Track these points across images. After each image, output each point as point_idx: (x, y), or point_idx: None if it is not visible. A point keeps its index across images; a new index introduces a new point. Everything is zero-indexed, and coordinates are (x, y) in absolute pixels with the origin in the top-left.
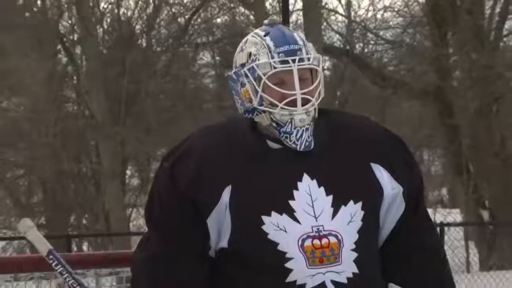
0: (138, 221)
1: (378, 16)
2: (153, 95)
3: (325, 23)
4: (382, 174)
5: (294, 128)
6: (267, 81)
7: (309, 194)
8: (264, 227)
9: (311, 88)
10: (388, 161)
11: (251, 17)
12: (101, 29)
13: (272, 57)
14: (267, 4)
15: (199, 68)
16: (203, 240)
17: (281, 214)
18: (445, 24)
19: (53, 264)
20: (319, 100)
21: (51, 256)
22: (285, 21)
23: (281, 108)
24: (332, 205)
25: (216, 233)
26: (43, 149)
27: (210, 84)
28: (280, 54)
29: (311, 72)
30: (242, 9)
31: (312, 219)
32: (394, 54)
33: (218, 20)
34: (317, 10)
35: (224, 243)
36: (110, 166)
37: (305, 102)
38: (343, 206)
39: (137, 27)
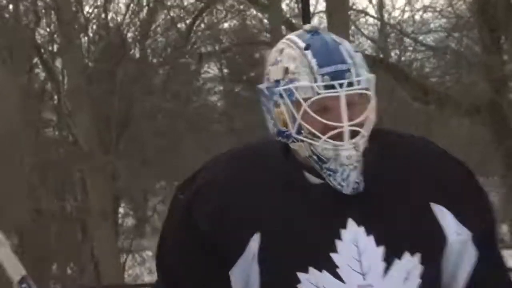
0: (134, 269)
1: (417, 17)
2: (149, 116)
3: (353, 27)
4: (445, 217)
5: (340, 166)
6: (308, 109)
7: (355, 245)
8: (299, 286)
9: (361, 118)
10: (453, 199)
11: (265, 21)
12: (85, 38)
13: (315, 80)
14: (283, 6)
15: (203, 83)
16: None
17: (320, 270)
18: (498, 26)
19: None
20: (370, 128)
21: (24, 285)
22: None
23: (324, 141)
24: (384, 259)
25: (242, 285)
26: (17, 184)
27: (217, 101)
28: (325, 77)
29: (362, 94)
30: (253, 12)
31: (359, 277)
32: (437, 62)
33: (226, 25)
34: (343, 12)
35: None
36: (99, 204)
37: (353, 134)
38: (397, 260)
39: (129, 34)
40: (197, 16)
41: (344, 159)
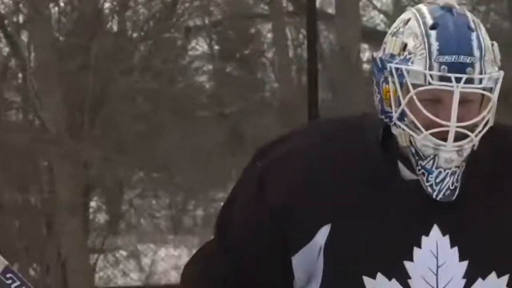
0: (106, 271)
1: None
2: (128, 97)
3: None
4: None
5: (436, 168)
6: (415, 98)
7: (435, 256)
8: None
9: (473, 121)
10: None
11: None
12: (55, 8)
13: (431, 68)
14: None
15: (190, 61)
16: (283, 279)
17: (390, 278)
18: None
19: (13, 286)
20: (483, 132)
21: (9, 275)
22: None
23: (425, 136)
24: (465, 276)
25: (304, 275)
26: None
27: (206, 83)
28: (442, 67)
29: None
30: None
31: None
32: None
33: None
34: None
35: None
36: (68, 196)
37: (461, 136)
38: (480, 280)
39: (106, 5)
40: None
41: (442, 161)
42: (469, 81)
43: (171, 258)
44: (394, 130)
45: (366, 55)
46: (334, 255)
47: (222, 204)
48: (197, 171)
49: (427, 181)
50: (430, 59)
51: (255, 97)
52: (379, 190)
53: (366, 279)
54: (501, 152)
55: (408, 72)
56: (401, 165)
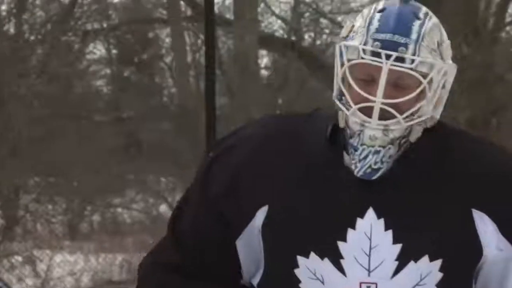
0: (1, 276)
1: None
2: (23, 101)
3: (262, 5)
4: (486, 227)
5: (361, 145)
6: (347, 72)
7: (368, 237)
8: (297, 271)
9: (398, 100)
10: (503, 212)
11: None
12: None
13: (365, 42)
14: None
15: (88, 65)
16: (228, 263)
17: (322, 258)
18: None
19: None
20: (417, 121)
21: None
22: (208, 0)
23: (354, 112)
24: (398, 258)
25: (250, 261)
26: None
27: (104, 87)
28: (376, 43)
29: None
30: None
31: (363, 272)
32: None
33: None
34: None
35: (256, 280)
36: None
37: (388, 116)
38: (412, 262)
39: (3, 7)
40: None
41: (367, 138)
42: (400, 60)
43: (67, 264)
44: (338, 114)
45: (264, 61)
46: (270, 236)
47: (119, 209)
48: (94, 176)
49: (353, 158)
50: (367, 35)
51: (153, 101)
52: (318, 175)
53: (300, 258)
54: (442, 149)
55: (347, 48)
56: (345, 154)
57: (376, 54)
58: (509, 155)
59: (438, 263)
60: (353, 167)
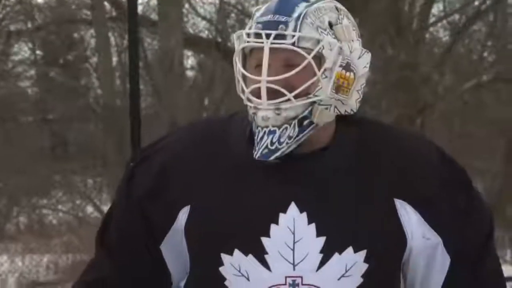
0: None
1: None
2: None
3: (187, 5)
4: (408, 216)
5: (257, 128)
6: (236, 59)
7: (291, 231)
8: (221, 269)
9: (284, 76)
10: (426, 200)
11: None
12: None
13: (250, 28)
14: None
15: (12, 67)
16: (157, 271)
17: (246, 254)
18: (352, 7)
19: None
20: (313, 99)
21: None
22: (132, 1)
23: (247, 98)
24: (322, 251)
25: (178, 265)
26: None
27: (29, 88)
28: (257, 25)
29: (319, 61)
30: None
31: (288, 267)
32: None
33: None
34: None
35: (183, 283)
36: None
37: (280, 95)
38: (336, 254)
39: None
40: None
41: (260, 119)
42: (281, 37)
43: None
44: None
45: (189, 61)
46: (193, 235)
47: (44, 211)
48: (20, 177)
49: (254, 144)
50: (252, 21)
51: (79, 102)
52: (239, 174)
53: (224, 256)
54: (362, 141)
55: (238, 38)
56: None
57: (259, 36)
58: (428, 143)
59: (362, 254)
60: (253, 152)
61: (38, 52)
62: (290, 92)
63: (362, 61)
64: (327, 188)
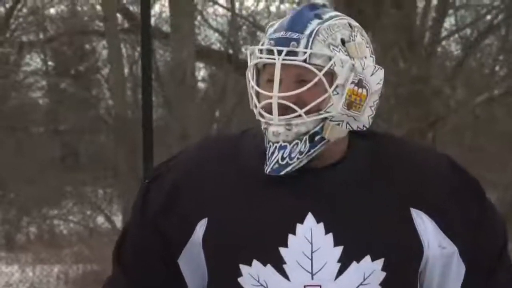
0: None
1: (272, 9)
2: None
3: (199, 17)
4: (425, 225)
5: (268, 143)
6: (249, 74)
7: (309, 241)
8: (240, 280)
9: (295, 92)
10: (439, 209)
11: (98, 7)
12: None
13: (263, 44)
14: None
15: (24, 77)
16: (174, 285)
17: (265, 264)
18: (364, 21)
19: None
20: (324, 115)
21: None
22: (145, 13)
23: (259, 113)
24: (340, 260)
25: (196, 279)
26: None
27: (40, 99)
28: (270, 42)
29: (331, 77)
30: None
31: (307, 276)
32: None
33: (52, 10)
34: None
35: None
36: None
37: (291, 111)
38: (354, 263)
39: None
40: None
41: (271, 134)
42: (293, 54)
43: (3, 275)
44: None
45: (201, 73)
46: (211, 248)
47: (55, 221)
48: (31, 187)
49: (266, 158)
50: (265, 38)
51: (90, 114)
52: (255, 186)
53: (243, 267)
54: (376, 153)
55: (251, 54)
56: None
57: (271, 52)
58: (439, 154)
59: (380, 262)
60: (265, 167)
61: (49, 63)
62: (301, 108)
63: (375, 78)
64: (341, 200)
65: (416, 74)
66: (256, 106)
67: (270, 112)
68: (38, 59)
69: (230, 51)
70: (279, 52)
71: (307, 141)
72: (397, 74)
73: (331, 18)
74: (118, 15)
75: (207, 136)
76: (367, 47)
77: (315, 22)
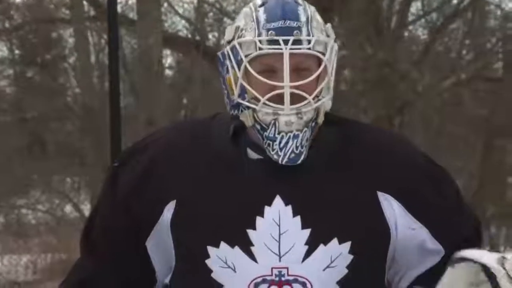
0: None
1: None
2: None
3: (166, 4)
4: (392, 208)
5: (279, 134)
6: (248, 66)
7: (277, 223)
8: (208, 262)
9: (307, 80)
10: (406, 192)
11: None
12: None
13: (259, 35)
14: None
15: None
16: (142, 268)
17: (232, 246)
18: (331, 6)
19: None
20: (323, 100)
21: None
22: (111, 0)
23: (264, 104)
24: (307, 243)
25: (163, 262)
26: None
27: (7, 87)
28: (270, 32)
29: (320, 62)
30: None
31: (274, 258)
32: None
33: None
34: None
35: (168, 278)
36: None
37: (298, 99)
38: (321, 245)
39: None
40: None
41: (283, 124)
42: (297, 42)
43: None
44: (242, 116)
45: (168, 60)
46: (179, 230)
47: (23, 211)
48: None
49: (273, 149)
50: (258, 28)
51: (57, 102)
52: (224, 169)
53: (210, 249)
54: (349, 140)
55: (241, 45)
56: (249, 150)
57: (273, 42)
58: (402, 139)
59: (347, 245)
60: (275, 157)
61: (16, 51)
62: (307, 94)
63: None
64: (309, 184)
65: (383, 59)
66: (245, 98)
67: (276, 102)
68: (5, 48)
69: (197, 38)
70: (285, 42)
71: (311, 128)
72: (364, 59)
73: (303, 2)
74: (84, 2)
75: (176, 121)
76: None
77: (301, 8)
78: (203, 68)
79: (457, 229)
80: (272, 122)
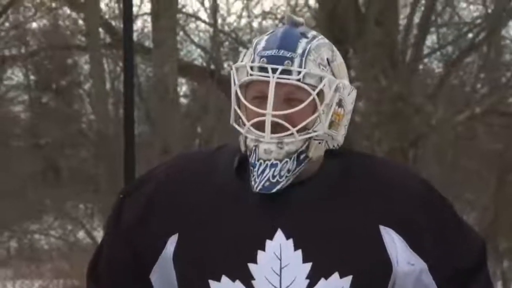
0: None
1: (255, 25)
2: None
3: (182, 33)
4: (394, 242)
5: (257, 160)
6: (238, 91)
7: (278, 257)
8: None
9: (290, 111)
10: (408, 226)
11: (80, 21)
12: None
13: (253, 61)
14: (102, 5)
15: (6, 91)
16: None
17: (234, 280)
18: (346, 38)
19: None
20: (312, 134)
21: None
22: (128, 28)
23: (248, 130)
24: (308, 277)
25: None
26: None
27: (22, 113)
28: (262, 59)
29: (318, 95)
30: (67, 11)
31: None
32: None
33: (34, 24)
34: (171, 15)
35: None
36: None
37: (283, 129)
38: (322, 280)
39: None
40: (1, 13)
41: (262, 152)
42: (287, 72)
43: None
44: (239, 140)
45: (183, 89)
46: (181, 263)
47: (36, 236)
48: (11, 202)
49: (252, 176)
50: (254, 54)
51: (71, 128)
52: (227, 202)
53: (212, 283)
54: (347, 170)
55: (237, 70)
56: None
57: (263, 70)
58: (409, 171)
59: (348, 279)
60: (252, 183)
61: (31, 77)
62: (292, 126)
63: (351, 98)
64: (311, 217)
65: (397, 91)
66: (239, 123)
67: (260, 129)
68: (20, 74)
69: (212, 67)
70: (274, 70)
71: (295, 160)
72: (378, 92)
73: (314, 37)
74: (101, 29)
75: (181, 152)
76: (344, 67)
77: (304, 41)
78: (218, 97)
79: (457, 263)
80: (253, 148)
